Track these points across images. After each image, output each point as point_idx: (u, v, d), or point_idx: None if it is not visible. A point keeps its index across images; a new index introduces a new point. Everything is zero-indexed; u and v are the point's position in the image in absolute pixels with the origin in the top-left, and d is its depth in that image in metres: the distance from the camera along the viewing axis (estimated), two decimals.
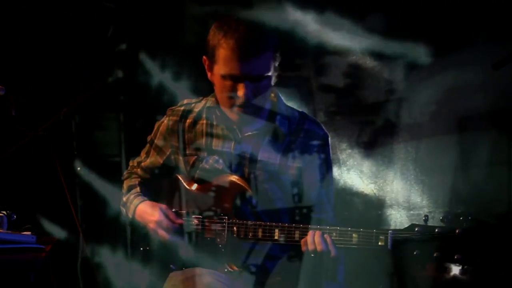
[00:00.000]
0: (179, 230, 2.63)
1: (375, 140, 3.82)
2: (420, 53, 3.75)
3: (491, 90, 3.66)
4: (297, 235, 2.48)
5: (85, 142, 3.51)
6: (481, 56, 3.58)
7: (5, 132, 3.18)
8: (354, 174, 3.83)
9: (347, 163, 3.83)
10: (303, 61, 3.87)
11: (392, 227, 3.72)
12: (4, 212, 2.75)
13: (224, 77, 2.54)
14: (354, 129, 3.83)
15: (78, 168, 3.25)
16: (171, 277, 2.62)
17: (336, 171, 3.78)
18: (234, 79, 2.53)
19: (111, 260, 3.59)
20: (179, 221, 2.63)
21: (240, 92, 2.53)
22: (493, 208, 3.56)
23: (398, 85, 3.79)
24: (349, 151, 3.83)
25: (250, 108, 2.57)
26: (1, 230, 2.64)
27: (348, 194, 3.82)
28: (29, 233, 2.64)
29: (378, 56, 3.78)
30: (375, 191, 3.82)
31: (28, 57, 3.73)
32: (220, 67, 2.53)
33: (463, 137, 3.73)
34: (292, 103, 3.72)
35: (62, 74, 3.73)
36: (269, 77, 2.55)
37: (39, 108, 3.53)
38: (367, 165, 3.82)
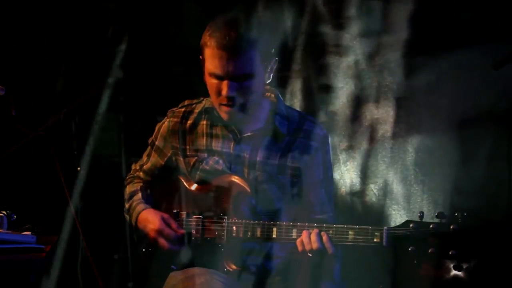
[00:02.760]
0: (180, 239, 2.63)
1: (375, 140, 3.82)
2: (421, 52, 3.75)
3: (492, 89, 3.66)
4: (294, 234, 2.48)
5: (85, 142, 3.51)
6: (481, 55, 3.59)
7: (5, 132, 3.18)
8: (354, 174, 3.84)
9: (347, 163, 3.83)
10: (303, 61, 3.87)
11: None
12: (4, 212, 2.75)
13: (210, 75, 2.56)
14: (354, 129, 3.84)
15: (78, 168, 3.25)
16: (171, 277, 2.62)
17: (336, 171, 3.78)
18: (218, 78, 2.54)
19: (111, 261, 3.60)
20: (181, 230, 2.63)
21: (223, 90, 2.54)
22: (493, 207, 3.56)
23: (398, 84, 3.79)
24: (349, 151, 3.83)
25: (236, 108, 2.57)
26: (1, 230, 2.64)
27: (348, 194, 3.82)
28: (29, 233, 2.63)
29: (377, 55, 3.79)
30: (375, 191, 3.82)
31: (28, 57, 3.73)
32: (207, 66, 2.57)
33: (463, 137, 3.73)
34: (292, 103, 3.74)
35: (62, 74, 3.73)
36: (254, 77, 2.55)
37: (39, 108, 3.53)
38: (367, 165, 3.82)
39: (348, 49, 3.83)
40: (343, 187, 3.83)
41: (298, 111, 2.75)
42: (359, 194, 3.83)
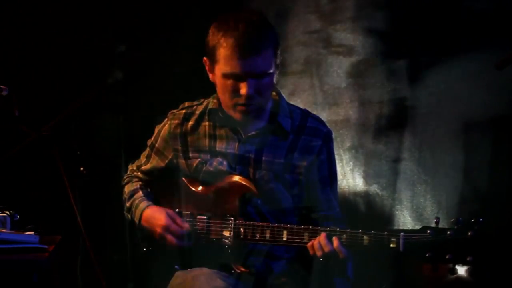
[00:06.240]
0: (186, 235, 2.62)
1: (378, 140, 3.82)
2: (424, 53, 3.75)
3: (495, 90, 3.66)
4: (306, 237, 2.46)
5: (87, 143, 3.51)
6: (485, 59, 3.58)
7: (8, 132, 3.18)
8: (358, 174, 3.83)
9: (351, 163, 3.83)
10: (305, 60, 3.87)
11: (395, 227, 3.72)
12: (7, 212, 2.75)
13: (225, 76, 2.53)
14: (357, 129, 3.83)
15: (81, 168, 3.25)
16: (176, 276, 2.60)
17: (339, 171, 3.77)
18: (236, 78, 2.52)
19: (114, 261, 3.60)
20: (186, 225, 2.62)
21: (243, 90, 2.51)
22: (495, 208, 3.55)
23: (402, 85, 3.79)
24: (353, 151, 3.83)
25: (253, 106, 2.56)
26: (4, 230, 2.64)
27: (352, 194, 3.82)
28: (32, 233, 2.64)
29: (381, 56, 3.78)
30: (378, 191, 3.81)
31: (30, 58, 3.74)
32: (221, 67, 2.53)
33: (466, 137, 3.73)
34: (294, 102, 3.73)
35: (64, 75, 3.74)
36: (271, 74, 2.55)
37: (42, 108, 3.53)
38: (370, 165, 3.82)
39: (353, 49, 3.83)
40: (347, 187, 3.83)
41: (300, 108, 2.73)
42: (362, 194, 3.83)
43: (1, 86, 2.74)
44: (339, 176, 3.76)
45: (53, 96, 3.66)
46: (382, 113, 3.84)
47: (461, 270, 3.28)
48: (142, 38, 3.75)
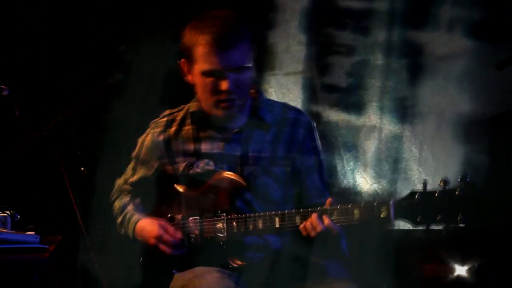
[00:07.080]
0: (180, 244, 2.63)
1: (378, 140, 3.82)
2: (424, 52, 3.75)
3: (495, 90, 3.66)
4: (298, 220, 2.47)
5: (86, 143, 3.51)
6: (484, 57, 3.59)
7: (9, 132, 3.19)
8: (358, 174, 3.83)
9: (351, 163, 3.83)
10: (306, 61, 3.87)
11: (395, 228, 3.72)
12: (8, 212, 2.75)
13: (205, 73, 2.54)
14: (357, 129, 3.84)
15: (82, 169, 3.25)
16: (177, 278, 2.61)
17: (339, 171, 3.78)
18: (215, 74, 2.53)
19: (113, 262, 3.60)
20: (179, 235, 2.63)
21: (224, 86, 2.53)
22: (495, 207, 3.56)
23: (402, 85, 3.79)
24: (353, 151, 3.83)
25: (235, 102, 2.57)
26: (4, 230, 2.64)
27: (352, 194, 3.82)
28: (32, 233, 2.64)
29: (381, 56, 3.79)
30: (378, 191, 3.82)
31: (31, 58, 3.74)
32: (200, 65, 2.54)
33: (466, 137, 3.73)
34: (294, 102, 3.74)
35: (64, 75, 3.74)
36: (250, 68, 2.56)
37: (43, 108, 3.53)
38: (370, 166, 3.82)
39: (351, 49, 3.83)
40: (347, 187, 3.83)
41: (279, 102, 2.77)
42: (363, 194, 3.83)
43: (2, 86, 2.74)
44: (340, 176, 3.77)
45: (53, 96, 3.67)
46: (382, 113, 3.84)
47: (462, 270, 3.31)
48: (142, 39, 3.76)
